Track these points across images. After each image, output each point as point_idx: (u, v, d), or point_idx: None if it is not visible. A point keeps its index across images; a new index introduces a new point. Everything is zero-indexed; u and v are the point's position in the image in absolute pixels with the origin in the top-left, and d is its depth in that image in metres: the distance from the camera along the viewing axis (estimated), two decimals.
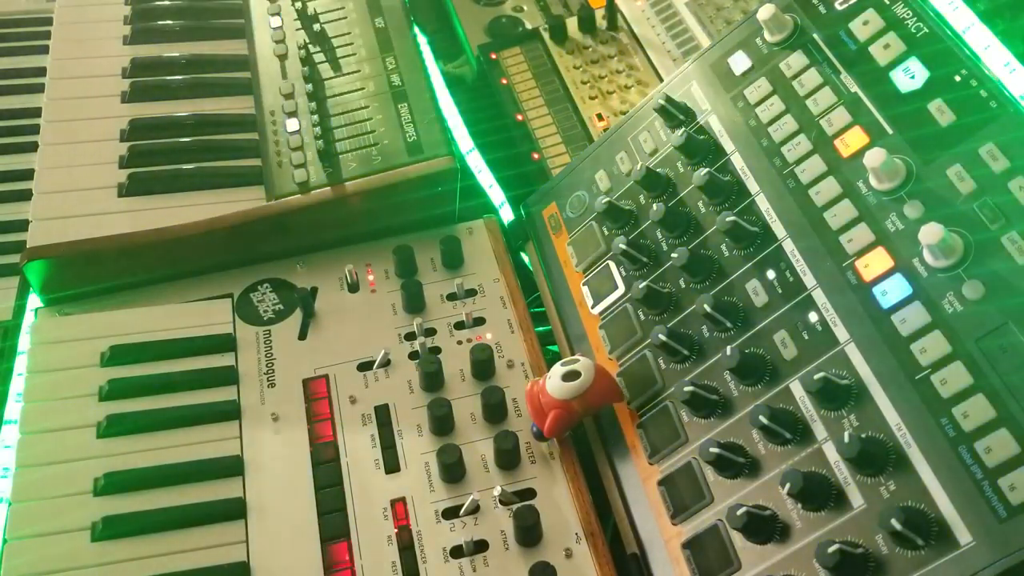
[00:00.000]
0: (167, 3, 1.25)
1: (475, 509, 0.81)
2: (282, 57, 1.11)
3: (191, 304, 0.95)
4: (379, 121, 1.02)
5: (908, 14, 0.79)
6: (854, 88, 0.80)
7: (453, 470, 0.82)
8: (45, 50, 1.19)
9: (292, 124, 1.03)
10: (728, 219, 0.80)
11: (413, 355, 0.91)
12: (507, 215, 1.09)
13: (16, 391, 0.90)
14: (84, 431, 0.86)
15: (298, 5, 1.15)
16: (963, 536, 0.62)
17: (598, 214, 0.92)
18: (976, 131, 0.72)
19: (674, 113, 0.91)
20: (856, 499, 0.67)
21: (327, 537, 0.80)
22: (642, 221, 0.90)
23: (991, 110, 0.72)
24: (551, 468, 0.83)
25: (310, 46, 1.10)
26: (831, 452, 0.70)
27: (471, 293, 0.96)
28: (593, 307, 0.91)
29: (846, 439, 0.67)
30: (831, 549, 0.64)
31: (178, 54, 1.18)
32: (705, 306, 0.79)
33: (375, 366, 0.91)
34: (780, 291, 0.78)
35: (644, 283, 0.84)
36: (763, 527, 0.70)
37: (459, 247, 0.98)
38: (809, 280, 0.76)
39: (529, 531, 0.78)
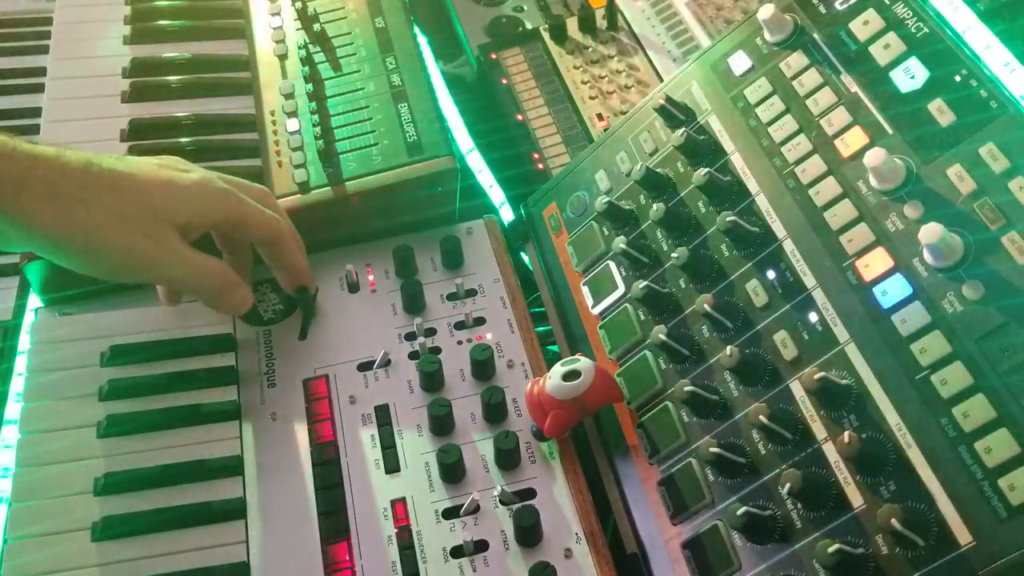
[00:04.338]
0: (167, 3, 1.25)
1: (475, 509, 0.81)
2: (282, 57, 1.11)
3: (191, 304, 0.95)
4: (379, 121, 1.02)
5: (908, 14, 0.79)
6: (854, 88, 0.80)
7: (453, 470, 0.82)
8: (45, 50, 1.19)
9: (292, 124, 1.03)
10: (728, 219, 0.80)
11: (413, 355, 0.91)
12: (507, 215, 1.08)
13: (16, 391, 0.90)
14: (84, 431, 0.86)
15: (298, 5, 1.15)
16: (963, 536, 0.62)
17: (598, 214, 0.92)
18: (976, 131, 0.72)
19: (674, 113, 0.91)
20: (856, 499, 0.67)
21: (327, 537, 0.80)
22: (642, 221, 0.90)
23: (991, 110, 0.72)
24: (551, 468, 0.83)
25: (310, 46, 1.10)
26: (831, 452, 0.70)
27: (471, 293, 0.96)
28: (593, 307, 0.91)
29: (846, 439, 0.67)
30: (831, 549, 0.64)
31: (178, 54, 1.18)
32: (705, 306, 0.79)
33: (375, 366, 0.91)
34: (780, 291, 0.78)
35: (644, 283, 0.84)
36: (763, 527, 0.70)
37: (459, 247, 0.98)
38: (809, 280, 0.76)
39: (529, 531, 0.78)
